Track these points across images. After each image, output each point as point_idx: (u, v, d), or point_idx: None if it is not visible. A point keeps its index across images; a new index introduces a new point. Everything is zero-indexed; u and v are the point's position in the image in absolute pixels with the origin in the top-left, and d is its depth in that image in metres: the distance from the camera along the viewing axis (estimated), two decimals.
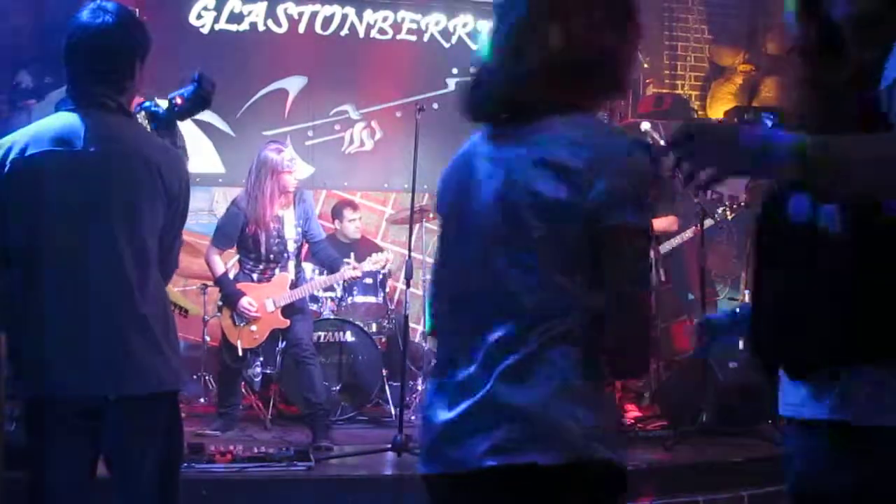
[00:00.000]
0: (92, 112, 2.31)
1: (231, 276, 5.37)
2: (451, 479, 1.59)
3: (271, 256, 5.20)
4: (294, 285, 5.29)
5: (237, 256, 5.42)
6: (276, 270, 5.27)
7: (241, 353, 5.25)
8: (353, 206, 6.58)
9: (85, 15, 2.33)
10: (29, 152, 2.27)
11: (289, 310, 5.22)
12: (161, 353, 2.29)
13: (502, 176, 1.59)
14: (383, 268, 5.82)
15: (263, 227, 5.07)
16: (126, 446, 2.30)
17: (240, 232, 5.12)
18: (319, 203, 7.10)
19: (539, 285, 1.55)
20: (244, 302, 5.13)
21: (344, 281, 5.68)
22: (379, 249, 6.57)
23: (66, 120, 2.32)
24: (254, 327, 5.21)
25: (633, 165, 1.52)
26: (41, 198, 2.27)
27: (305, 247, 5.45)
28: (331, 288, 5.87)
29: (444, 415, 1.60)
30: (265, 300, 5.19)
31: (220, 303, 5.40)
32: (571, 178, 1.51)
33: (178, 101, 2.47)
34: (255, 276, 5.27)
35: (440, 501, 1.67)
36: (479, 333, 1.58)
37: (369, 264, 5.54)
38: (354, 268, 5.37)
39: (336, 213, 6.57)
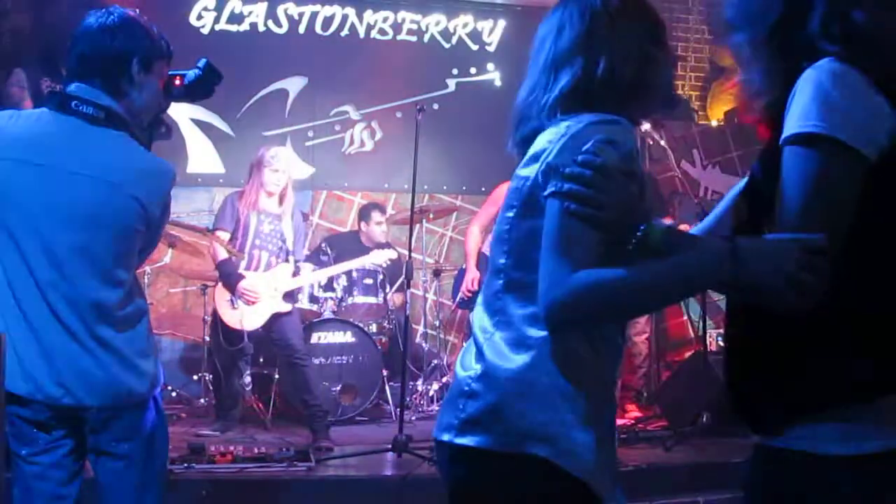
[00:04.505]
0: (76, 124, 2.20)
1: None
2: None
3: (257, 242, 5.22)
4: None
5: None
6: (264, 256, 5.25)
7: (245, 339, 5.21)
8: (382, 210, 6.51)
9: (85, 17, 2.31)
10: None
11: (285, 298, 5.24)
12: (132, 368, 2.25)
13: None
14: (386, 264, 5.84)
15: (251, 207, 5.17)
16: (109, 449, 2.29)
17: (232, 219, 5.21)
18: (320, 203, 7.11)
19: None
20: (244, 284, 5.15)
21: (345, 280, 5.70)
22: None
23: (43, 128, 2.22)
24: (256, 307, 5.18)
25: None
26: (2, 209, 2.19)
27: (306, 245, 5.45)
28: (331, 288, 5.87)
29: None
30: (265, 282, 5.20)
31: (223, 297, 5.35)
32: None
33: (178, 81, 2.34)
34: (241, 263, 5.25)
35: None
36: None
37: (373, 258, 5.61)
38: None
39: (363, 215, 6.52)
